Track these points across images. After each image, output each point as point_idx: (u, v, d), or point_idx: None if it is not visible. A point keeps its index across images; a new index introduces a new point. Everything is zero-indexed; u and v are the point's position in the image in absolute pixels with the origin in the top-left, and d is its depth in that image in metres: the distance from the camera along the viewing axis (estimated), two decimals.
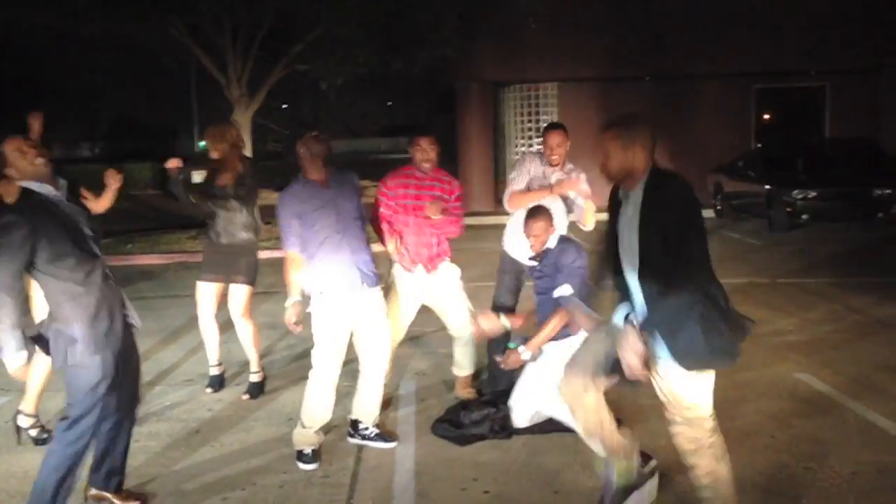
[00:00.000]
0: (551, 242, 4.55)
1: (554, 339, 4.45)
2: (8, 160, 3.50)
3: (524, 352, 4.43)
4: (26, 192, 3.48)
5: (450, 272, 5.06)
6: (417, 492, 3.95)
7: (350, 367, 4.62)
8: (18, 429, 4.79)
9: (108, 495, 3.85)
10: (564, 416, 4.29)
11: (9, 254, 3.31)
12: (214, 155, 5.41)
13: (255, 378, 5.54)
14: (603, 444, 3.52)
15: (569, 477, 4.07)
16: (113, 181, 4.84)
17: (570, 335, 4.43)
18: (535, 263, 4.66)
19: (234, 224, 5.36)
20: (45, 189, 3.48)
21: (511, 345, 4.55)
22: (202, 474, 4.23)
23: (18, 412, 4.81)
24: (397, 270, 5.00)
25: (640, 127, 3.17)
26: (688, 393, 3.18)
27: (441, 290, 5.04)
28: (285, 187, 4.47)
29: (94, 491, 3.87)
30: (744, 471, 4.06)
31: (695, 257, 3.02)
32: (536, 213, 4.53)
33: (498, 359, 4.54)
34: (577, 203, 5.00)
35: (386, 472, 4.20)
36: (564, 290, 4.35)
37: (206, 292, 5.47)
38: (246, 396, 5.45)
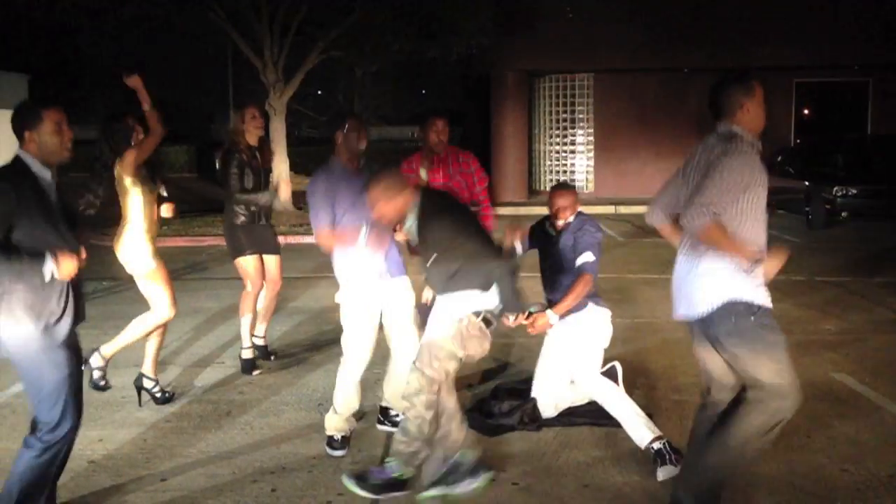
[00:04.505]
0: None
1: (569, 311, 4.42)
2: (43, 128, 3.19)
3: (552, 315, 4.35)
4: (21, 165, 3.19)
5: None
6: None
7: (382, 352, 4.61)
8: (140, 390, 5.01)
9: None
10: (579, 396, 4.50)
11: None
12: (256, 135, 5.54)
13: (260, 342, 5.86)
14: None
15: (599, 471, 4.03)
16: (131, 80, 4.60)
17: (588, 305, 4.43)
18: (552, 233, 4.62)
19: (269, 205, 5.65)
20: (43, 172, 3.22)
21: (532, 309, 4.42)
22: (233, 456, 4.26)
23: (141, 375, 5.02)
24: None
25: (396, 176, 3.81)
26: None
27: None
28: (318, 170, 4.45)
29: None
30: (778, 470, 3.99)
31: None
32: (565, 187, 4.65)
33: (526, 322, 4.40)
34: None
35: None
36: (587, 257, 4.38)
37: (256, 266, 5.60)
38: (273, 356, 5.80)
